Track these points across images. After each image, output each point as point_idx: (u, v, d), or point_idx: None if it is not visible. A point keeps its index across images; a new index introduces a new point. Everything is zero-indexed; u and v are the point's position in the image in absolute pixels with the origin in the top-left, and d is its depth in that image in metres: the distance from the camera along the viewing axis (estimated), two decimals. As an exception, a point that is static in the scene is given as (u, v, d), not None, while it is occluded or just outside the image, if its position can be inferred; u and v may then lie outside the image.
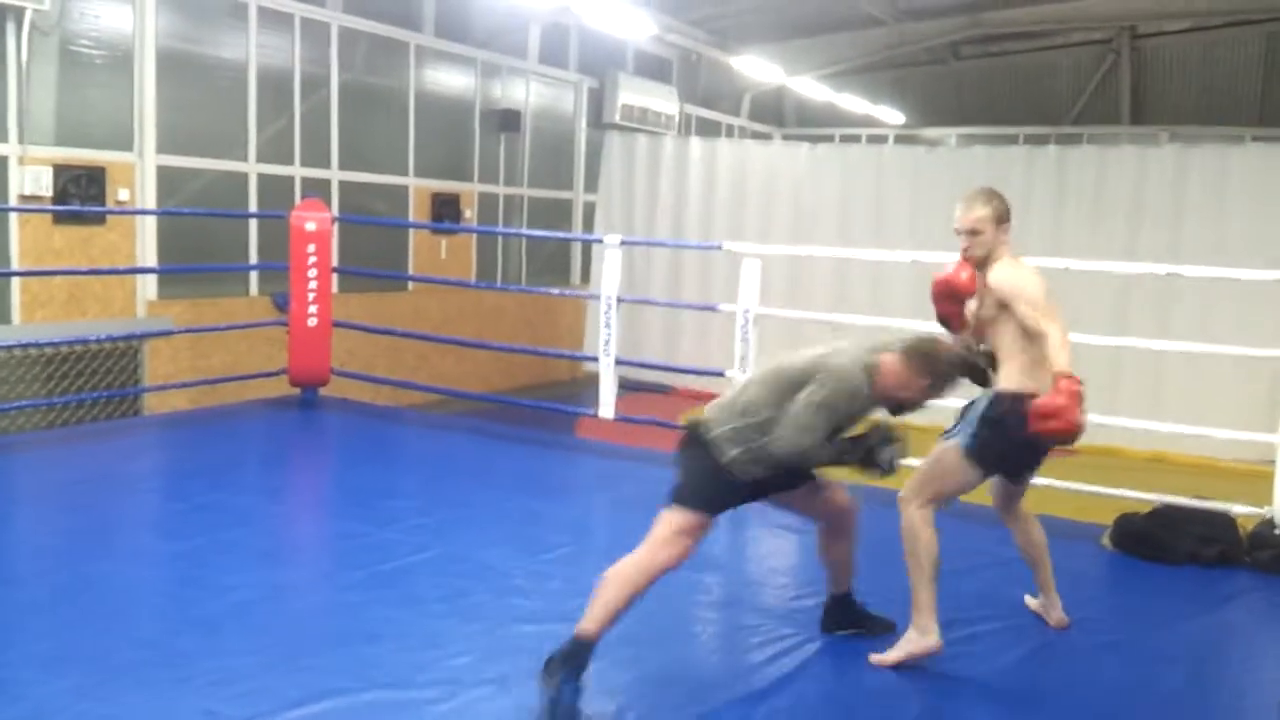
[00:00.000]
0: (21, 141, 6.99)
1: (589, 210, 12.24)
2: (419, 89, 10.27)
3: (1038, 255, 4.67)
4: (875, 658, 3.44)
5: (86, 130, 7.46)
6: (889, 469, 3.26)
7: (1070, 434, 3.24)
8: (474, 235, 11.10)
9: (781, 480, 3.34)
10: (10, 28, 6.86)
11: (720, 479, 3.21)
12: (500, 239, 11.56)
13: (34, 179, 7.02)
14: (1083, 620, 3.94)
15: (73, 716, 2.87)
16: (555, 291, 9.63)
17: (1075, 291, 8.32)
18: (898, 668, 3.40)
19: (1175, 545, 4.66)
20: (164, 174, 7.94)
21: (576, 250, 12.56)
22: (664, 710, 3.16)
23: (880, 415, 3.34)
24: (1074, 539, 4.93)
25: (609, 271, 6.55)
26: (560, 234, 12.13)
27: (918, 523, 3.46)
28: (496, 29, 11.04)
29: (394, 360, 9.33)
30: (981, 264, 3.59)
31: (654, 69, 13.76)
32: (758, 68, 14.05)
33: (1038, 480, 5.21)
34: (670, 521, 3.17)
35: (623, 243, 6.82)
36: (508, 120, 11.29)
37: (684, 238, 10.73)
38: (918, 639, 3.42)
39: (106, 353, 7.47)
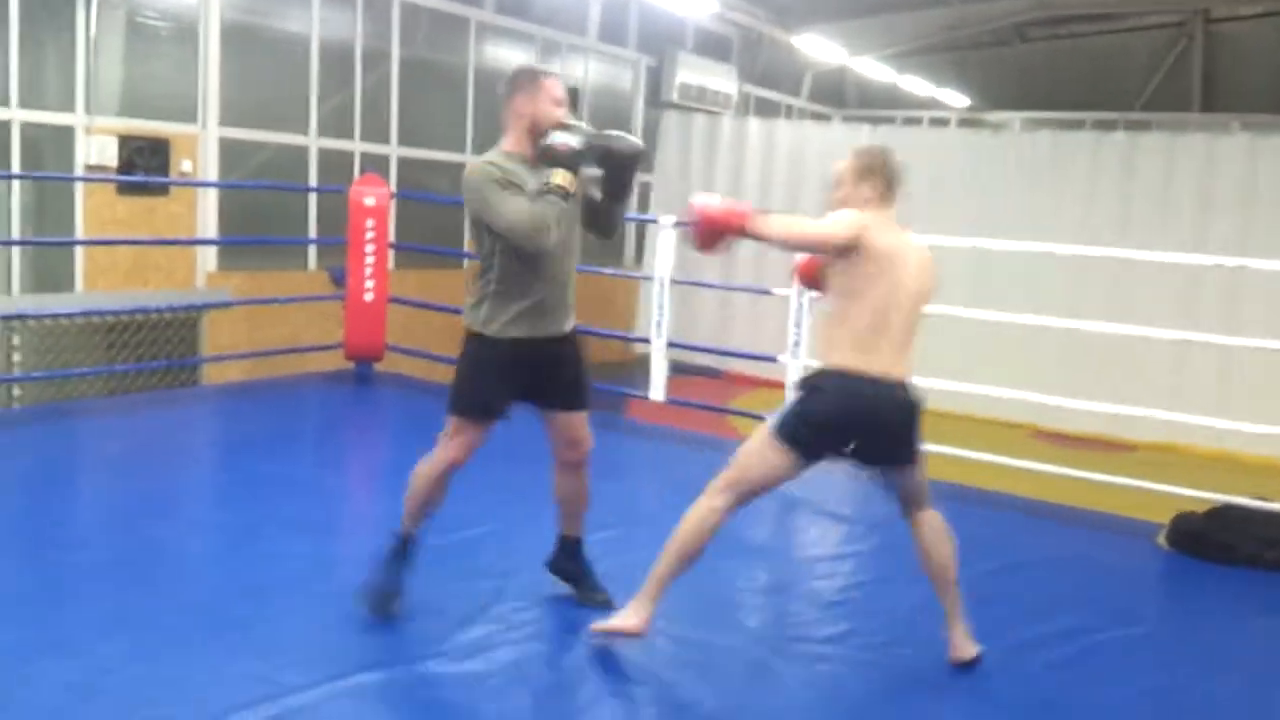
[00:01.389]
0: (89, 112, 7.12)
1: (644, 190, 12.20)
2: (479, 65, 10.28)
3: (1104, 245, 4.57)
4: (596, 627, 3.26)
5: (151, 102, 7.57)
6: (599, 139, 3.36)
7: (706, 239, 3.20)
8: (530, 213, 11.09)
9: (544, 368, 3.47)
10: (80, 0, 6.98)
11: (480, 358, 3.38)
12: (555, 217, 11.55)
13: (100, 149, 7.14)
14: (1136, 622, 3.87)
15: (127, 677, 2.93)
16: (608, 271, 9.59)
17: (1142, 283, 8.18)
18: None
19: (1235, 547, 4.55)
20: (226, 146, 8.04)
21: (630, 230, 12.54)
22: (701, 696, 3.16)
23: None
24: (1129, 537, 4.86)
25: (663, 252, 6.52)
26: (615, 213, 12.07)
27: (704, 514, 3.14)
28: (557, 5, 11.01)
29: (449, 337, 9.31)
30: None
31: (714, 47, 13.65)
32: (819, 47, 13.89)
33: (1093, 475, 5.18)
34: (447, 424, 3.42)
35: (677, 223, 6.78)
36: (566, 97, 11.25)
37: (740, 219, 10.62)
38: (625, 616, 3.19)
39: (166, 322, 7.60)
